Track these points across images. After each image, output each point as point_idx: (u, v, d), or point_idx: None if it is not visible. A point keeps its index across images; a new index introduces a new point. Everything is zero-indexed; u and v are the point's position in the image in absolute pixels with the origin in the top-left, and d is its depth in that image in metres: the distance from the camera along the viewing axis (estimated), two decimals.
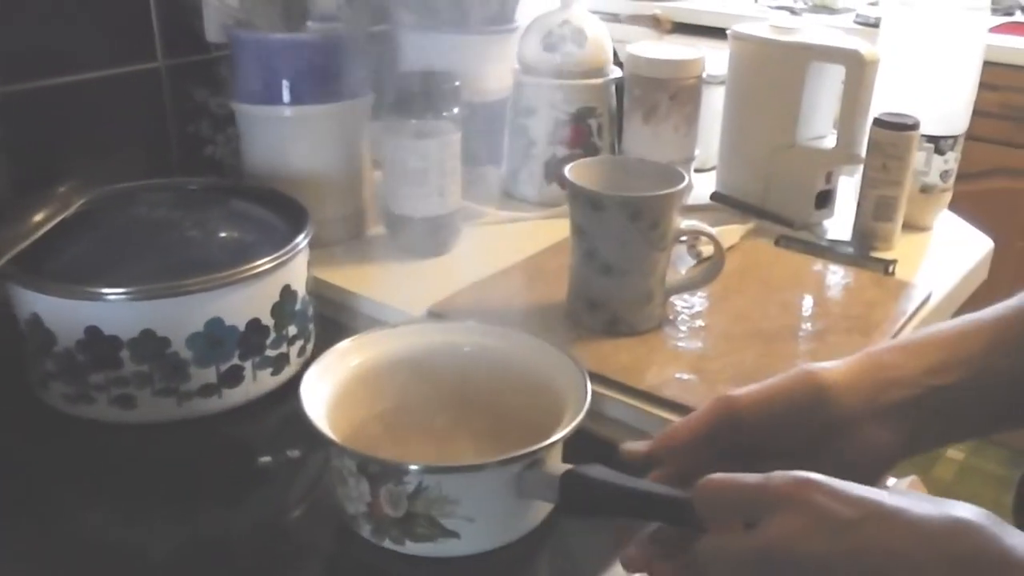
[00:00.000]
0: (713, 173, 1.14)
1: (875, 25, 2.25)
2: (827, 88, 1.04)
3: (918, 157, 1.00)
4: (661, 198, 0.75)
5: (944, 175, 1.04)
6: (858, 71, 0.97)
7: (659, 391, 0.72)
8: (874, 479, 0.49)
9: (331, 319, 0.87)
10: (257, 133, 0.94)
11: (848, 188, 1.10)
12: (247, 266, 0.70)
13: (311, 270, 0.85)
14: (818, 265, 0.95)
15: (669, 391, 0.72)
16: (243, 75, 0.92)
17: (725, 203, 1.07)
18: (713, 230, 0.79)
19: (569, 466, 0.53)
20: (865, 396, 0.51)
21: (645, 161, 0.83)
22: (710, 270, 0.80)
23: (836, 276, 0.93)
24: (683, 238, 0.82)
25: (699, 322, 0.83)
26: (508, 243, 1.00)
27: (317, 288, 0.87)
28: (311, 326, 0.80)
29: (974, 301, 0.89)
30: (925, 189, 1.04)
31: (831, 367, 0.53)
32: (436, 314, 0.83)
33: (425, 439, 0.65)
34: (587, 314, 0.80)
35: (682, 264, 0.93)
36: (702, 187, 1.12)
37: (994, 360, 0.51)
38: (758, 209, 1.05)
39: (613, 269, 0.77)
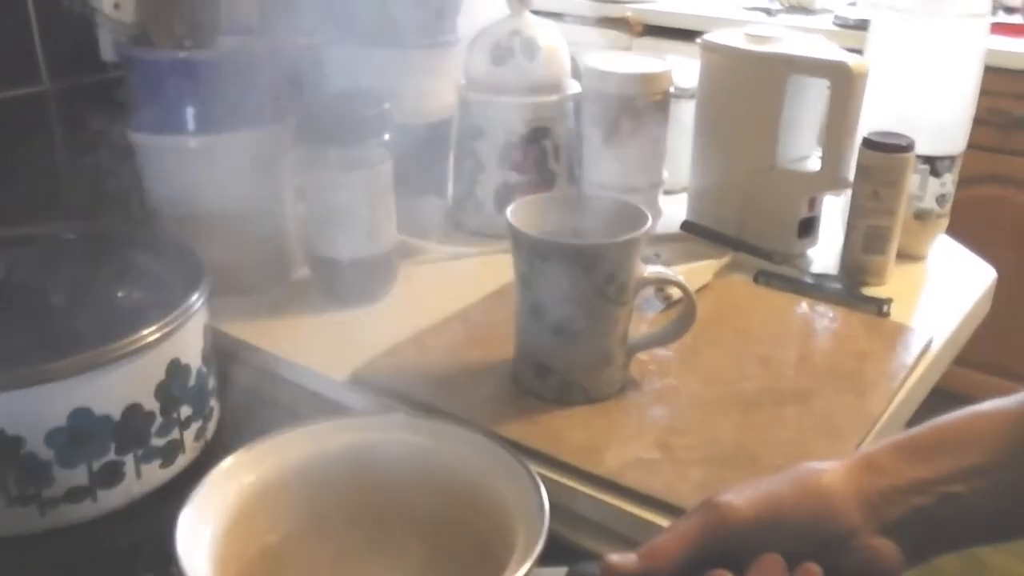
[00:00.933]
0: (683, 196, 1.03)
1: (855, 27, 2.16)
2: (810, 104, 0.92)
3: (912, 180, 0.89)
4: (620, 246, 0.63)
5: (941, 199, 0.93)
6: (845, 85, 0.86)
7: (620, 477, 0.60)
8: None
9: (243, 385, 0.75)
10: (159, 167, 0.81)
11: (834, 210, 0.99)
12: (121, 342, 0.58)
13: (220, 325, 0.74)
14: (803, 306, 0.84)
15: (632, 476, 0.60)
16: (141, 100, 0.79)
17: (697, 233, 0.95)
18: (682, 278, 0.68)
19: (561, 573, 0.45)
20: (867, 509, 0.46)
21: (602, 198, 0.71)
22: (680, 323, 0.69)
23: (824, 320, 0.81)
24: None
25: (668, 381, 0.71)
26: (452, 284, 0.88)
27: (226, 347, 0.75)
28: (212, 401, 0.68)
29: None
30: (920, 215, 0.93)
31: (831, 472, 0.47)
32: (360, 380, 0.71)
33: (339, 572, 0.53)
34: (536, 380, 0.68)
35: (648, 309, 0.81)
36: (671, 212, 1.01)
37: (1008, 467, 0.46)
38: (734, 240, 0.93)
39: (564, 329, 0.65)
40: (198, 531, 0.47)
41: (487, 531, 0.50)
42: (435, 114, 0.89)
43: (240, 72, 0.80)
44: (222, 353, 0.73)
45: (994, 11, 2.19)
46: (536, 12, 0.95)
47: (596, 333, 0.66)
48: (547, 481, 0.59)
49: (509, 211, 0.66)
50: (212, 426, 0.68)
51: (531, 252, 0.64)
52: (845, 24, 2.19)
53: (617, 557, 0.45)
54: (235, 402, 0.72)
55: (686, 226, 0.96)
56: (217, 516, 0.49)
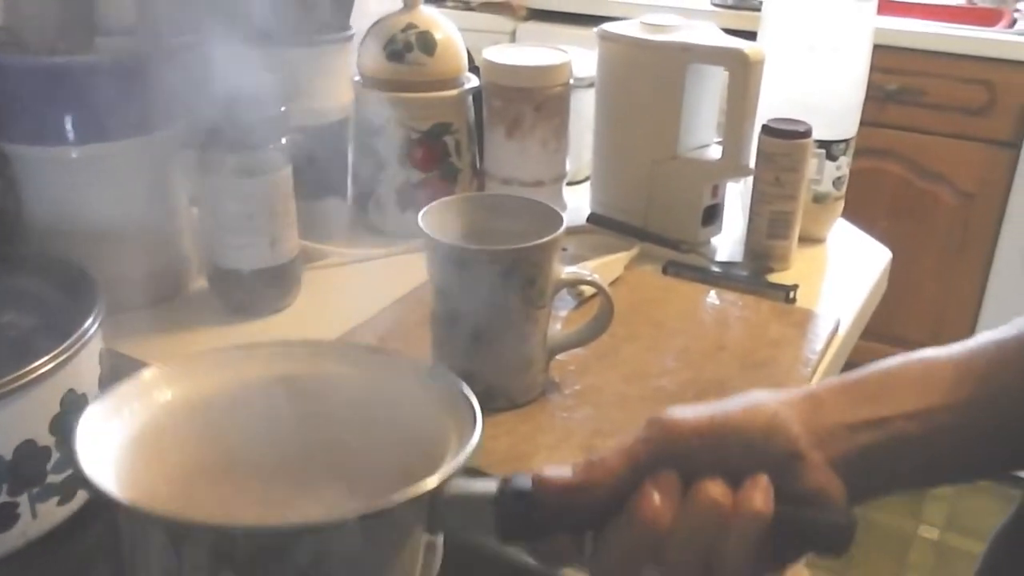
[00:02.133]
0: (585, 186, 1.02)
1: (733, 7, 2.20)
2: (708, 92, 0.93)
3: (810, 165, 0.91)
4: (539, 249, 0.62)
5: (837, 182, 0.95)
6: (742, 73, 0.86)
7: None
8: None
9: None
10: (37, 180, 0.76)
11: (734, 196, 1.00)
12: (10, 376, 0.53)
13: (115, 345, 0.70)
14: (712, 295, 0.84)
15: None
16: (14, 109, 0.74)
17: (604, 225, 0.95)
18: (598, 277, 0.67)
19: (494, 484, 0.41)
20: (814, 440, 0.44)
21: (514, 198, 0.69)
22: (598, 323, 0.68)
23: (735, 308, 0.82)
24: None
25: (589, 380, 0.70)
26: (360, 289, 0.85)
27: (123, 369, 0.70)
28: None
29: None
30: (818, 199, 0.95)
31: (778, 399, 0.45)
32: None
33: (260, 501, 0.49)
34: None
35: (562, 306, 0.80)
36: (575, 204, 1.00)
37: (947, 410, 0.46)
38: (640, 231, 0.93)
39: (484, 335, 0.64)
40: (102, 436, 0.43)
41: (419, 466, 0.43)
42: (332, 114, 0.86)
43: (121, 75, 0.75)
44: (119, 375, 0.68)
45: None
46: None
47: (517, 337, 0.64)
48: None
49: (420, 217, 0.64)
50: None
51: (447, 259, 0.62)
52: (724, 4, 2.23)
53: (551, 470, 0.42)
54: None
55: (593, 219, 0.95)
56: (123, 426, 0.44)
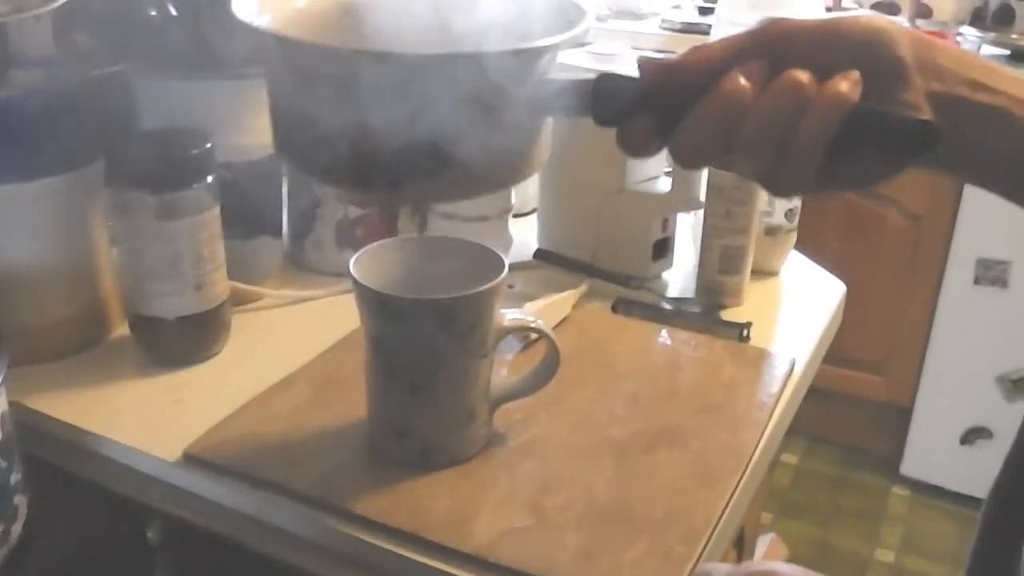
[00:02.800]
0: (532, 219, 0.99)
1: (681, 30, 2.19)
2: None
3: (762, 196, 0.88)
4: (479, 297, 0.58)
5: (789, 214, 0.93)
6: None
7: (492, 553, 0.55)
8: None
9: (57, 468, 0.66)
10: None
11: (685, 228, 0.97)
12: None
13: (25, 399, 0.65)
14: (664, 335, 0.81)
15: (505, 551, 0.55)
16: None
17: (551, 261, 0.91)
18: (543, 323, 0.63)
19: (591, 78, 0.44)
20: (919, 65, 0.43)
21: (454, 241, 0.65)
22: (544, 371, 0.64)
23: (686, 349, 0.79)
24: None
25: (535, 431, 0.67)
26: (295, 334, 0.81)
27: (34, 426, 0.66)
28: (17, 499, 0.58)
29: None
30: (770, 231, 0.92)
31: (892, 23, 0.44)
32: (194, 458, 0.63)
33: None
34: (393, 444, 0.62)
35: (507, 350, 0.76)
36: (522, 238, 0.97)
37: None
38: (589, 267, 0.90)
39: (422, 388, 0.60)
40: None
41: None
42: (264, 149, 0.81)
43: (36, 110, 0.70)
44: (28, 433, 0.63)
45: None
46: None
47: (457, 390, 0.61)
48: (413, 564, 0.55)
49: (352, 264, 0.60)
50: (18, 528, 0.58)
51: (381, 310, 0.58)
52: (672, 27, 2.22)
53: (646, 56, 0.43)
54: (47, 492, 0.63)
55: (540, 254, 0.92)
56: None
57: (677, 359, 0.77)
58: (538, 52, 0.45)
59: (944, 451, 2.14)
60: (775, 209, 0.92)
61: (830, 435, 2.34)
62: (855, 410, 2.28)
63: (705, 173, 0.86)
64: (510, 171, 0.49)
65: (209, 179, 0.72)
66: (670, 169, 0.89)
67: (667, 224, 0.91)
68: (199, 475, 0.63)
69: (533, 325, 0.62)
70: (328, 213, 0.89)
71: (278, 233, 0.87)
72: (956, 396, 2.09)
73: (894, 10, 2.42)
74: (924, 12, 2.39)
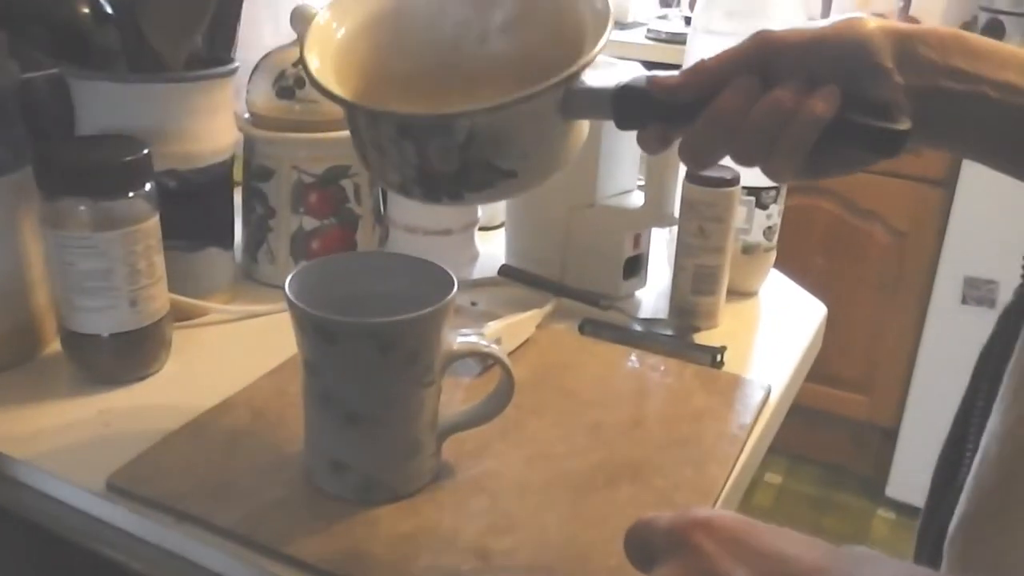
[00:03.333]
0: (500, 232, 0.95)
1: (667, 40, 2.15)
2: (629, 137, 0.85)
3: (739, 214, 0.84)
4: (421, 321, 0.53)
5: (768, 232, 0.88)
6: None
7: None
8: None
9: None
10: None
11: (660, 243, 0.93)
12: None
13: None
14: (633, 359, 0.76)
15: None
16: None
17: (517, 278, 0.87)
18: (496, 348, 0.59)
19: (614, 82, 0.50)
20: (900, 62, 0.48)
21: (402, 257, 0.61)
22: (496, 400, 0.60)
23: (656, 374, 0.74)
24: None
25: (487, 463, 0.62)
26: (239, 352, 0.76)
27: None
28: None
29: None
30: (747, 249, 0.88)
31: (877, 25, 0.48)
32: (117, 489, 0.58)
33: (445, 93, 0.56)
34: (331, 478, 0.57)
35: (463, 372, 0.72)
36: (489, 252, 0.93)
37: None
38: (556, 284, 0.86)
39: (360, 418, 0.55)
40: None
41: (559, 48, 0.52)
42: (212, 156, 0.76)
43: None
44: None
45: None
46: None
47: (399, 421, 0.56)
48: None
49: (288, 280, 0.55)
50: None
51: (316, 332, 0.53)
52: (658, 38, 2.18)
53: (663, 74, 0.49)
54: None
55: (504, 271, 0.87)
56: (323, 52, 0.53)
57: (645, 386, 0.73)
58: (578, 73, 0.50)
59: (931, 473, 2.10)
60: (753, 226, 0.87)
61: (812, 454, 2.30)
62: (838, 429, 2.24)
63: (679, 189, 0.81)
64: (550, 169, 0.54)
65: (147, 187, 0.68)
66: (643, 183, 0.84)
67: (639, 240, 0.86)
68: (122, 507, 0.58)
69: (486, 350, 0.58)
70: (282, 224, 0.85)
71: (229, 245, 0.83)
72: (944, 417, 2.04)
73: None
74: None
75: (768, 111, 0.47)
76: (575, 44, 0.52)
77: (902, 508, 2.17)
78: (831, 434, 2.25)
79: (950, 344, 2.01)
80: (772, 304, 0.90)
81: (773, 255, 0.90)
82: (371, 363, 0.53)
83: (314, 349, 0.54)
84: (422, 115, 0.51)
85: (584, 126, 0.55)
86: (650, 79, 0.49)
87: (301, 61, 0.52)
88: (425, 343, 0.54)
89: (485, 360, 0.71)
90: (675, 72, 0.49)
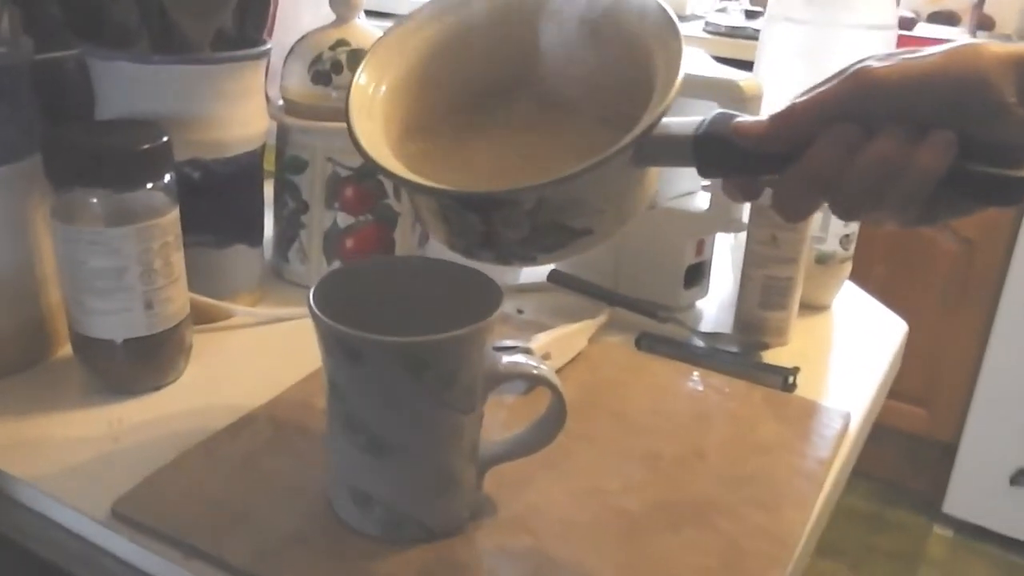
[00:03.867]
0: None
1: (727, 34, 2.07)
2: None
3: (813, 220, 0.76)
4: (460, 340, 0.46)
5: (845, 241, 0.81)
6: (736, 109, 0.71)
7: None
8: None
9: None
10: None
11: (724, 249, 0.85)
12: None
13: None
14: (694, 378, 0.69)
15: None
16: None
17: (567, 285, 0.80)
18: (547, 369, 0.52)
19: (693, 126, 0.45)
20: (1021, 96, 0.41)
21: (445, 264, 0.54)
22: (546, 428, 0.53)
23: (719, 397, 0.67)
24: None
25: (530, 498, 0.55)
26: (266, 361, 0.70)
27: None
28: None
29: None
30: (822, 259, 0.80)
31: (995, 47, 0.41)
32: (122, 516, 0.52)
33: (501, 133, 0.53)
34: (355, 511, 0.51)
35: (509, 389, 0.65)
36: None
37: None
38: (610, 293, 0.78)
39: (389, 447, 0.49)
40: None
41: (625, 71, 0.50)
42: (240, 144, 0.70)
43: None
44: None
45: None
46: (368, 13, 0.78)
47: (430, 451, 0.49)
48: None
49: (311, 291, 0.49)
50: None
51: (340, 348, 0.47)
52: (717, 31, 2.10)
53: (744, 120, 0.44)
54: None
55: (554, 276, 0.80)
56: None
57: (708, 410, 0.65)
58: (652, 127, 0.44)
59: (992, 491, 2.01)
60: (828, 234, 0.80)
61: (867, 468, 2.20)
62: (895, 443, 2.14)
63: None
64: (626, 218, 0.49)
65: (166, 178, 0.62)
66: (708, 184, 0.77)
67: (703, 247, 0.79)
68: (126, 537, 0.52)
69: (536, 373, 0.51)
70: (315, 221, 0.78)
71: (257, 242, 0.77)
72: (1007, 433, 1.95)
73: (954, 20, 2.29)
74: (986, 23, 2.25)
75: (872, 166, 0.41)
76: (646, 67, 0.47)
77: (961, 526, 2.08)
78: (887, 448, 2.16)
79: (1018, 356, 1.91)
80: (847, 319, 0.82)
81: (849, 266, 0.82)
82: (401, 386, 0.46)
83: (338, 367, 0.48)
84: (484, 193, 0.46)
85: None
86: (734, 125, 0.44)
87: (349, 133, 0.48)
88: (465, 364, 0.47)
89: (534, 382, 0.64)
90: (761, 118, 0.44)
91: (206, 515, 0.52)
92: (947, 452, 2.06)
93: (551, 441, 0.53)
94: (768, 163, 0.44)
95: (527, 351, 0.65)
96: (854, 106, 0.42)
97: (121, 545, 0.52)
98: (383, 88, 0.52)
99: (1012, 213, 1.86)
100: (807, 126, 0.42)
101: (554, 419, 0.52)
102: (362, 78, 0.51)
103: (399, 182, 0.46)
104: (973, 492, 2.03)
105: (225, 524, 0.51)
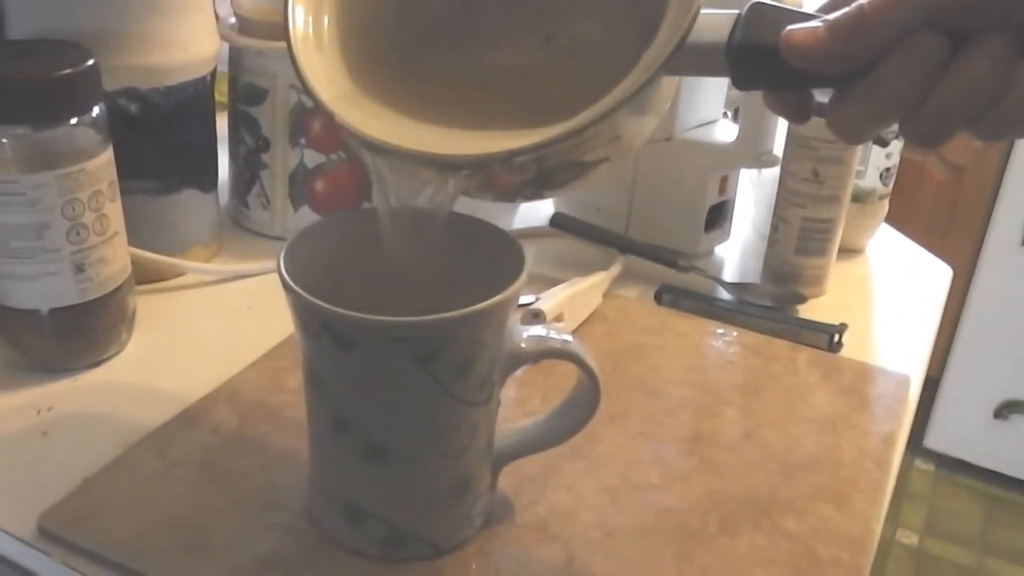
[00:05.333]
0: None
1: None
2: None
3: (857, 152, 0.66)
4: (480, 318, 0.36)
5: (885, 176, 0.71)
6: None
7: None
8: None
9: None
10: None
11: (743, 183, 0.75)
12: None
13: None
14: (725, 338, 0.60)
15: None
16: None
17: (572, 230, 0.70)
18: (576, 343, 0.42)
19: (726, 30, 0.35)
20: None
21: (453, 215, 0.43)
22: (576, 412, 0.43)
23: (760, 362, 0.58)
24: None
25: (555, 496, 0.46)
26: (226, 326, 0.59)
27: None
28: None
29: None
30: (860, 196, 0.71)
31: None
32: (51, 533, 0.42)
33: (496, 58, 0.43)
34: (346, 527, 0.41)
35: None
36: None
37: None
38: (622, 239, 0.68)
39: (388, 453, 0.39)
40: None
41: None
42: (185, 71, 0.59)
43: None
44: None
45: None
46: None
47: (441, 454, 0.39)
48: None
49: (282, 254, 0.38)
50: None
51: (325, 333, 0.36)
52: None
53: (798, 29, 0.33)
54: None
55: (557, 221, 0.70)
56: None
57: (750, 379, 0.56)
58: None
59: (975, 425, 1.97)
60: (868, 167, 0.70)
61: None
62: None
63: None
64: (645, 135, 0.41)
65: (94, 112, 0.50)
66: (734, 109, 0.67)
67: (726, 184, 0.69)
68: (55, 559, 0.42)
69: (565, 348, 0.41)
70: (278, 160, 0.67)
71: (210, 186, 0.65)
72: (993, 366, 1.91)
73: None
74: None
75: (962, 90, 0.32)
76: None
77: (942, 460, 2.04)
78: None
79: (1006, 289, 1.85)
80: (885, 265, 0.73)
81: (886, 204, 0.73)
82: (405, 378, 0.36)
83: (321, 355, 0.37)
84: (481, 156, 0.37)
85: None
86: (784, 37, 0.34)
87: (299, 78, 0.37)
88: (482, 347, 0.37)
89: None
90: (816, 25, 0.33)
91: (157, 532, 0.42)
92: (929, 386, 2.01)
93: (580, 430, 0.43)
94: (826, 81, 0.35)
95: (538, 315, 0.55)
96: (939, 10, 0.32)
97: (51, 569, 0.42)
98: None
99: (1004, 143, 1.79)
100: (881, 37, 0.33)
101: (585, 404, 0.42)
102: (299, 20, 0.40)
103: (365, 146, 0.36)
104: (956, 426, 2.00)
105: (181, 544, 0.41)
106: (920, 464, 2.06)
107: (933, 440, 2.04)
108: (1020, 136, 0.35)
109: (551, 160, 0.37)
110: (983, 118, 0.33)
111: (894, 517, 1.93)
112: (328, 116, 0.37)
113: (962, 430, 2.00)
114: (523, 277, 0.38)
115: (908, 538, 1.90)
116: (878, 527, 0.45)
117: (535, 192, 0.41)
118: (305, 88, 0.37)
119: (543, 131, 0.35)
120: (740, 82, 0.37)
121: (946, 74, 0.32)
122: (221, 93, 0.68)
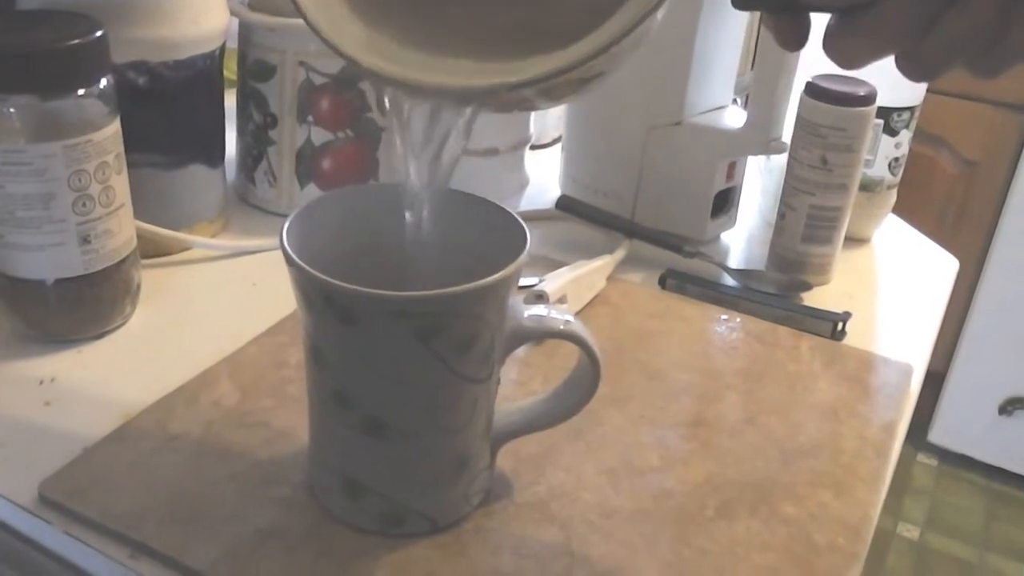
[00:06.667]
0: (555, 153, 0.77)
1: None
2: (730, 35, 0.67)
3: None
4: (481, 293, 0.36)
5: (894, 165, 0.71)
6: None
7: None
8: None
9: None
10: None
11: (749, 170, 0.75)
12: None
13: None
14: (730, 325, 0.60)
15: None
16: None
17: (578, 214, 0.70)
18: (578, 324, 0.42)
19: None
20: None
21: (456, 196, 0.43)
22: (576, 392, 0.43)
23: (763, 348, 0.57)
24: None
25: (554, 476, 0.46)
26: (230, 301, 0.60)
27: None
28: None
29: None
30: (868, 186, 0.70)
31: None
32: (53, 501, 0.42)
33: None
34: (345, 502, 0.41)
35: None
36: (540, 178, 0.75)
37: None
38: (628, 223, 0.68)
39: (388, 427, 0.39)
40: None
41: None
42: (195, 46, 0.59)
43: None
44: None
45: None
46: None
47: (441, 430, 0.39)
48: None
49: (285, 228, 0.38)
50: None
51: (327, 307, 0.36)
52: None
53: None
54: None
55: (563, 204, 0.70)
56: None
57: (753, 365, 0.56)
58: None
59: (979, 420, 1.96)
60: (877, 156, 0.69)
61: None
62: None
63: (794, 106, 0.64)
64: (641, 44, 0.38)
65: (102, 83, 0.50)
66: (744, 95, 0.67)
67: (734, 170, 0.69)
68: (58, 528, 0.42)
69: (566, 328, 0.41)
70: (286, 137, 0.67)
71: (217, 162, 0.65)
72: (999, 362, 1.90)
73: None
74: None
75: (966, 28, 0.32)
76: None
77: (945, 455, 2.04)
78: None
79: (1014, 284, 1.84)
80: (891, 255, 0.73)
81: (894, 194, 0.73)
82: (406, 353, 0.36)
83: (322, 330, 0.37)
84: (482, 87, 0.36)
85: None
86: None
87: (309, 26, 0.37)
88: (483, 324, 0.37)
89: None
90: None
91: (157, 503, 0.42)
92: (934, 380, 2.01)
93: (580, 410, 0.43)
94: (828, 6, 0.34)
95: (541, 297, 0.55)
96: None
97: (51, 537, 0.42)
98: None
99: (1018, 134, 1.77)
100: None
101: (585, 384, 0.42)
102: None
103: (395, 85, 0.36)
104: (960, 421, 1.99)
105: (183, 515, 0.41)
106: (923, 459, 2.06)
107: (937, 435, 2.03)
108: (1011, 69, 0.34)
109: (549, 80, 0.36)
110: (983, 55, 0.33)
111: (896, 511, 1.93)
112: (353, 63, 0.37)
113: (967, 425, 1.99)
114: (525, 254, 0.37)
115: (909, 532, 1.90)
116: (876, 515, 0.45)
117: (529, 106, 0.42)
118: (325, 42, 0.37)
119: (561, 55, 0.34)
120: (740, 0, 0.37)
121: (951, 10, 0.32)
122: (230, 70, 0.68)
